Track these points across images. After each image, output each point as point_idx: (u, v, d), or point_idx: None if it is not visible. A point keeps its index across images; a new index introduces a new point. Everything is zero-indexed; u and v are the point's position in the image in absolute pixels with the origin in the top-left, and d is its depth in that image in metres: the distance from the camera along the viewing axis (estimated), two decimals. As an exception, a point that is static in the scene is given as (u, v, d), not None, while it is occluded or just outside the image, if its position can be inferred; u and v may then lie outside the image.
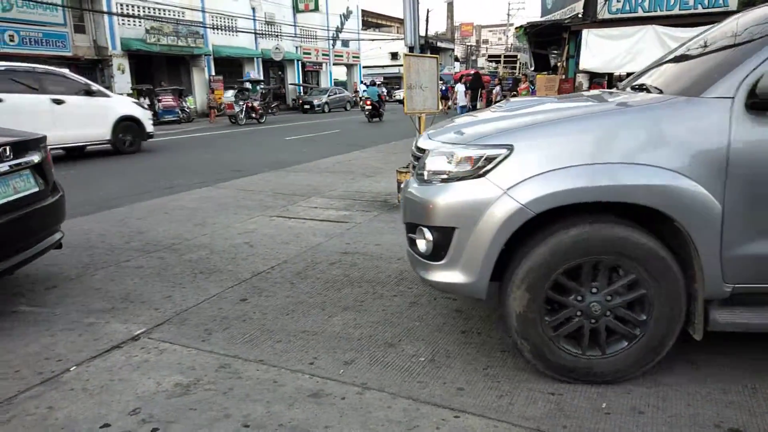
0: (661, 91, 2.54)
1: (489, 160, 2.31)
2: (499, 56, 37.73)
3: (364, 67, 44.00)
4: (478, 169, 2.33)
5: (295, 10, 34.26)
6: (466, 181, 2.35)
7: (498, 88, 23.83)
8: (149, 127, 12.32)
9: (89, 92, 10.92)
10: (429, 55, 7.06)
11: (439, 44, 45.15)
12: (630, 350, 2.34)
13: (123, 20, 23.79)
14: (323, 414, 2.25)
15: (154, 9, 24.97)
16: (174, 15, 25.96)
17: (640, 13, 12.51)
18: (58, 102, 10.22)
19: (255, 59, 31.80)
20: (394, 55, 46.77)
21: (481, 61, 59.95)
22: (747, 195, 2.13)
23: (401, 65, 7.92)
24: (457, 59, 54.03)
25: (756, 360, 2.54)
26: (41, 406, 2.35)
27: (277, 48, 31.63)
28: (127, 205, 6.52)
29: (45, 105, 10.01)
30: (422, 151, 2.67)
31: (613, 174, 2.18)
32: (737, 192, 2.13)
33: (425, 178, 2.51)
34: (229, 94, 23.80)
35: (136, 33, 24.25)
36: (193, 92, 27.63)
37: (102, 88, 11.82)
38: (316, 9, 34.28)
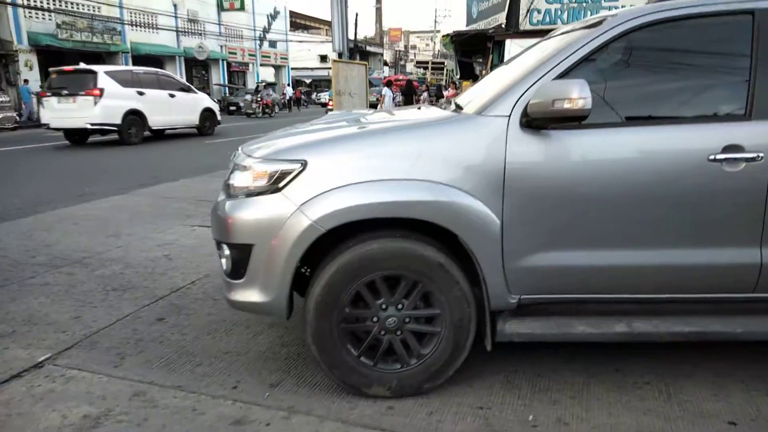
0: (460, 108, 2.66)
1: (284, 175, 2.30)
2: (427, 63, 38.49)
3: (292, 68, 43.47)
4: (274, 184, 2.32)
5: (220, 8, 33.29)
6: (263, 196, 2.33)
7: (425, 94, 24.27)
8: (219, 116, 16.80)
9: (186, 89, 15.53)
10: (358, 61, 7.04)
11: (368, 48, 45.36)
12: (426, 362, 2.39)
13: (30, 13, 22.15)
14: (247, 442, 2.14)
15: (66, 2, 23.44)
16: (89, 10, 24.49)
17: (560, 25, 13.14)
18: (172, 96, 14.66)
19: (177, 58, 30.60)
20: (323, 58, 46.48)
21: (410, 67, 60.88)
22: (524, 210, 2.24)
23: (330, 68, 7.83)
24: (386, 63, 54.56)
25: (674, 365, 2.68)
26: None
27: (200, 47, 30.60)
28: (31, 215, 6.02)
29: (165, 97, 14.43)
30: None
31: (393, 190, 2.23)
32: (515, 207, 2.23)
33: (230, 192, 2.46)
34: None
35: (45, 27, 22.64)
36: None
37: (191, 86, 16.27)
38: (242, 8, 33.47)
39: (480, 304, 2.36)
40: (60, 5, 23.33)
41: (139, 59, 27.77)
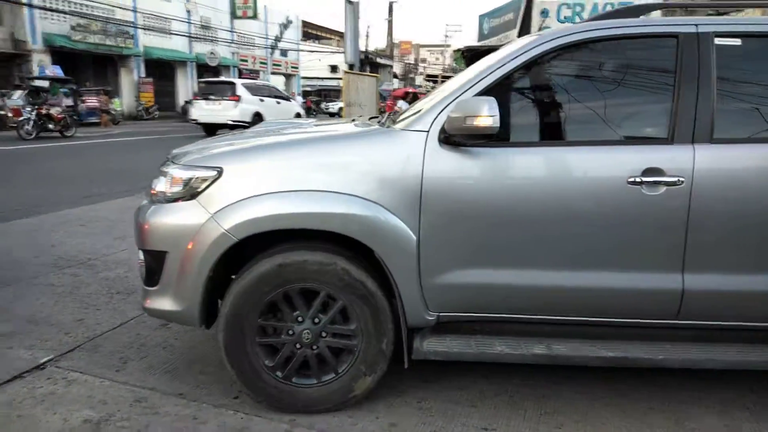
0: (386, 124, 2.61)
1: (199, 182, 2.29)
2: (437, 76, 38.62)
3: (302, 78, 43.75)
4: (190, 191, 2.31)
5: (233, 16, 33.59)
6: (178, 203, 2.33)
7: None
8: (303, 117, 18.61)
9: (286, 98, 19.25)
10: (369, 73, 7.07)
11: (378, 60, 45.65)
12: (341, 378, 2.36)
13: (46, 14, 22.40)
14: (247, 454, 2.11)
15: (81, 5, 23.70)
16: (103, 13, 24.75)
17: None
18: (278, 102, 18.19)
19: (188, 63, 30.85)
20: (334, 68, 46.76)
21: (419, 80, 61.14)
22: (440, 226, 2.22)
23: (340, 78, 7.89)
24: (396, 76, 54.85)
25: (676, 390, 2.64)
26: None
27: (212, 53, 30.84)
28: (36, 215, 6.04)
29: (275, 103, 17.92)
30: None
31: (307, 201, 2.22)
32: (431, 223, 2.21)
33: (151, 198, 2.46)
34: (16, 96, 17.84)
35: (60, 28, 22.90)
36: (120, 94, 26.36)
37: (289, 96, 20.01)
38: (255, 17, 33.78)
39: (398, 321, 2.33)
40: (75, 8, 23.57)
41: (151, 63, 28.03)
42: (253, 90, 17.78)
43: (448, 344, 2.33)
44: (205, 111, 17.09)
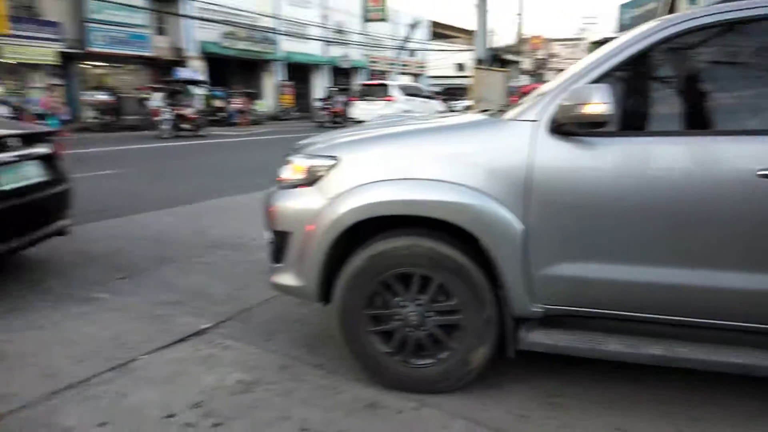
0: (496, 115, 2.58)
1: (318, 170, 2.47)
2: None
3: (429, 77, 44.08)
4: (310, 178, 2.49)
5: (364, 19, 34.77)
6: (300, 188, 2.52)
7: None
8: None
9: (429, 97, 21.44)
10: (498, 68, 6.99)
11: (507, 56, 44.63)
12: (456, 354, 2.38)
13: (201, 24, 24.88)
14: (379, 425, 2.24)
15: (230, 14, 25.99)
16: (249, 21, 26.92)
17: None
18: (424, 101, 20.27)
19: (324, 66, 32.49)
20: (460, 66, 46.54)
21: (550, 75, 58.65)
22: (548, 217, 2.17)
23: (467, 76, 7.85)
24: (524, 72, 53.19)
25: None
26: (113, 390, 2.46)
27: (345, 56, 32.18)
28: (195, 203, 6.78)
29: (421, 102, 19.94)
30: None
31: (416, 189, 2.29)
32: (539, 213, 2.17)
33: (279, 185, 2.67)
34: (156, 98, 18.61)
35: (212, 36, 25.30)
36: (262, 96, 28.51)
37: (432, 95, 22.05)
38: (385, 19, 34.66)
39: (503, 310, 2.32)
40: (225, 17, 25.90)
41: (291, 67, 29.92)
42: (404, 90, 20.47)
43: (555, 337, 2.29)
44: (363, 110, 19.34)
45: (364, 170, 2.40)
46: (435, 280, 2.35)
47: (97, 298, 3.56)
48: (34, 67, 19.29)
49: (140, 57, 22.57)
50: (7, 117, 10.91)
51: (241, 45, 26.52)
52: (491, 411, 2.35)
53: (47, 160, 3.90)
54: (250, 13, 26.69)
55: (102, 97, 20.53)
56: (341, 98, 25.09)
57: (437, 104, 21.41)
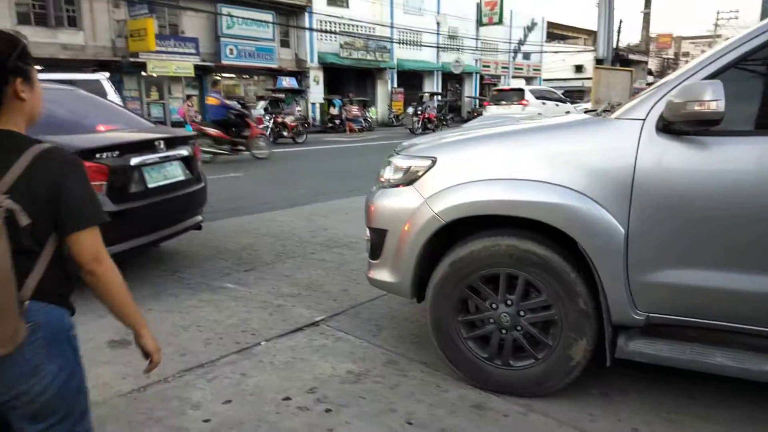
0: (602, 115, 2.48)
1: (417, 170, 2.52)
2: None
3: (544, 80, 42.64)
4: (408, 178, 2.55)
5: (479, 23, 34.44)
6: (398, 188, 2.59)
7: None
8: None
9: (561, 100, 21.55)
10: (622, 68, 6.62)
11: (630, 56, 41.93)
12: (556, 350, 2.31)
13: (321, 36, 26.13)
14: (485, 427, 2.24)
15: (348, 25, 27.04)
16: (365, 30, 27.82)
17: None
18: (557, 104, 20.72)
19: (435, 72, 32.68)
20: (579, 68, 44.48)
21: (679, 76, 54.08)
22: (653, 220, 2.05)
23: (586, 78, 7.52)
24: (650, 73, 49.67)
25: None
26: (237, 372, 2.69)
27: (457, 61, 32.11)
28: (312, 203, 7.15)
29: (554, 106, 20.16)
30: None
31: (511, 189, 2.27)
32: (643, 216, 2.06)
33: (379, 185, 2.74)
34: (259, 107, 19.01)
35: (331, 47, 26.46)
36: (375, 103, 29.29)
37: (564, 98, 22.26)
38: (500, 22, 34.08)
39: (602, 316, 2.22)
40: (343, 28, 26.97)
41: (402, 74, 30.44)
42: (537, 94, 21.19)
43: (658, 347, 2.17)
44: (497, 114, 19.98)
45: (460, 170, 2.42)
46: (521, 277, 2.32)
47: (225, 287, 3.90)
48: (174, 79, 21.41)
49: (266, 68, 24.19)
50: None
51: (357, 54, 27.45)
52: (600, 421, 2.26)
53: (186, 161, 4.34)
54: (366, 23, 27.59)
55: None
56: (433, 104, 24.61)
57: (569, 107, 21.51)
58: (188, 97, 21.62)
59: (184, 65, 20.91)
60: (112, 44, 19.61)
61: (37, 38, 17.81)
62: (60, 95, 4.33)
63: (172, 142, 4.18)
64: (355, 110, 25.56)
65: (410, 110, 24.83)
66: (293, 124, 17.64)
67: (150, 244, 4.06)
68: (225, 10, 21.85)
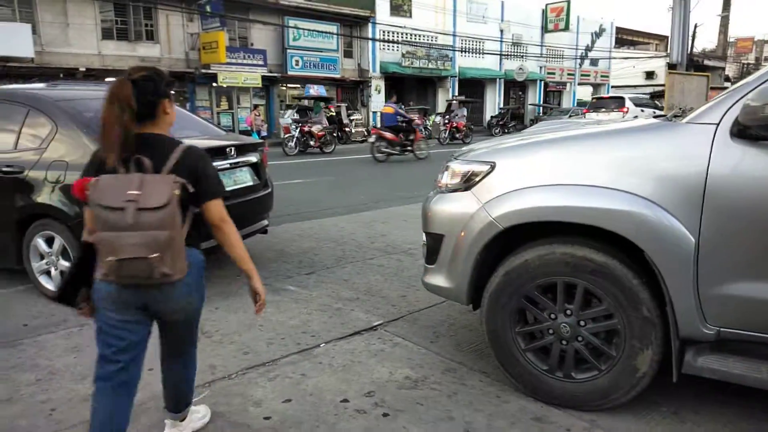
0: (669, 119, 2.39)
1: (474, 175, 2.49)
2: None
3: (613, 87, 41.25)
4: (466, 183, 2.52)
5: (544, 30, 33.79)
6: (456, 193, 2.56)
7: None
8: None
9: (652, 107, 21.12)
10: (698, 73, 6.31)
11: (706, 62, 39.87)
12: (621, 361, 2.21)
13: (383, 46, 26.42)
14: (546, 440, 2.17)
15: (410, 35, 27.20)
16: (427, 39, 27.89)
17: None
18: (642, 110, 19.73)
19: (497, 80, 32.30)
20: (650, 74, 42.71)
21: (761, 82, 50.78)
22: (726, 228, 1.96)
23: (658, 85, 7.20)
24: (728, 79, 47.04)
25: None
26: (297, 372, 2.74)
27: (520, 68, 31.62)
28: (372, 210, 7.21)
29: (651, 112, 18.82)
30: None
31: (572, 195, 2.20)
32: (715, 224, 1.97)
33: (437, 189, 2.72)
34: (287, 115, 18.62)
35: (393, 57, 26.70)
36: (436, 111, 29.24)
37: (656, 104, 22.02)
38: (566, 28, 33.29)
39: (668, 329, 2.12)
40: (406, 38, 27.16)
41: (464, 82, 30.28)
42: (636, 102, 21.43)
43: (730, 364, 2.04)
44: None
45: (519, 176, 2.37)
46: (580, 286, 2.23)
47: (288, 289, 4.00)
48: (243, 89, 22.25)
49: (330, 78, 24.71)
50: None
51: (419, 63, 27.56)
52: (672, 442, 2.14)
53: (255, 167, 4.49)
54: (429, 32, 27.66)
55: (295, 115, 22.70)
56: (462, 112, 22.72)
57: (654, 112, 21.51)
58: (255, 106, 22.40)
59: (252, 76, 21.71)
60: (186, 56, 20.64)
61: (119, 51, 19.06)
62: None
63: (242, 149, 4.33)
64: (415, 118, 25.59)
65: (437, 119, 22.92)
66: (321, 133, 16.91)
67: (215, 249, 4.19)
68: (292, 22, 22.55)
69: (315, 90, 23.47)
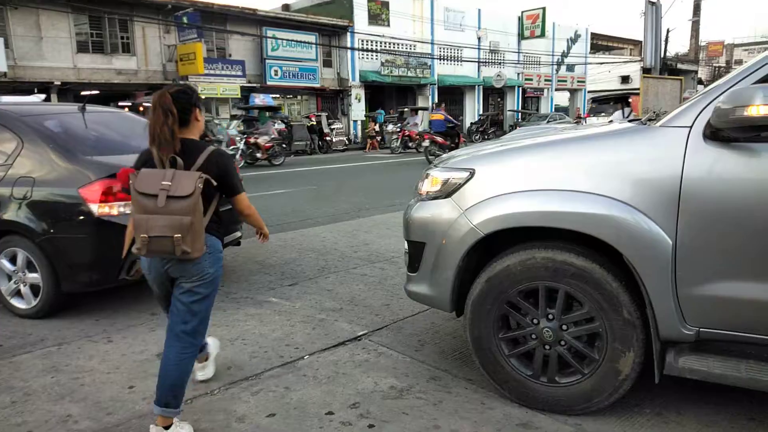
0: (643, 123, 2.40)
1: (455, 182, 2.49)
2: (758, 78, 32.46)
3: (589, 91, 41.89)
4: (446, 190, 2.52)
5: (521, 37, 34.22)
6: (436, 200, 2.57)
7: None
8: None
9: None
10: (672, 77, 6.43)
11: (679, 66, 40.74)
12: (603, 364, 2.22)
13: (362, 54, 26.51)
14: (532, 446, 2.17)
15: (389, 43, 27.34)
16: (406, 48, 28.06)
17: None
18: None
19: (476, 87, 32.58)
20: (625, 79, 43.45)
21: (733, 84, 51.91)
22: (702, 230, 1.98)
23: (633, 89, 7.34)
24: (701, 82, 48.09)
25: None
26: (280, 385, 2.71)
27: (498, 75, 31.94)
28: (355, 218, 7.19)
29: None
30: None
31: (551, 200, 2.21)
32: (691, 226, 2.00)
33: (417, 197, 2.73)
34: (232, 126, 17.01)
35: (372, 66, 26.80)
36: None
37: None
38: (542, 35, 33.77)
39: (649, 331, 2.14)
40: (385, 47, 27.29)
41: (443, 89, 30.48)
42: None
43: (710, 364, 2.07)
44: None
45: (499, 182, 2.39)
46: (561, 290, 2.25)
47: (270, 301, 3.96)
48: (222, 100, 22.13)
49: (310, 88, 24.69)
50: None
51: (398, 71, 27.69)
52: (657, 444, 2.15)
53: None
54: (407, 40, 27.83)
55: (277, 126, 22.49)
56: (415, 119, 21.30)
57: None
58: (233, 117, 22.32)
59: (231, 87, 21.60)
60: (163, 68, 20.46)
61: (94, 65, 18.82)
62: (109, 117, 4.61)
63: None
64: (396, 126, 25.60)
65: (390, 127, 21.45)
66: (268, 144, 15.82)
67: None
68: (270, 32, 22.51)
69: (261, 99, 22.21)
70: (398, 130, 20.50)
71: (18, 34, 17.10)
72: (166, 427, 2.21)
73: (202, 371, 2.74)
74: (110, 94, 19.75)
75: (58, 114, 4.23)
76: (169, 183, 2.05)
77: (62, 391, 2.65)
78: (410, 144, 19.88)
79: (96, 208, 3.48)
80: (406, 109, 23.50)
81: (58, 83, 17.66)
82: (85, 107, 4.27)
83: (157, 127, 2.10)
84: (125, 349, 3.14)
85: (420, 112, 23.02)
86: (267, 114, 19.66)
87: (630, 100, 17.00)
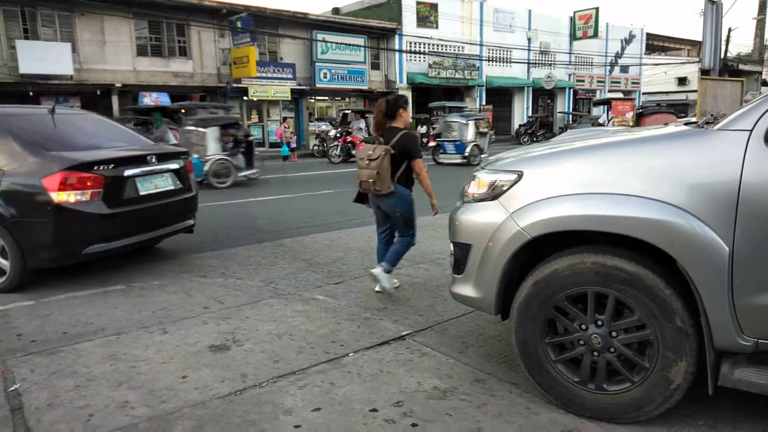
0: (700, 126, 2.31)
1: (501, 184, 2.48)
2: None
3: (644, 93, 40.51)
4: (493, 193, 2.51)
5: (573, 38, 33.47)
6: (483, 202, 2.56)
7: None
8: None
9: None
10: (732, 78, 6.16)
11: (741, 67, 38.85)
12: (654, 372, 2.16)
13: (410, 57, 26.55)
14: (578, 452, 2.13)
15: (437, 45, 27.28)
16: (454, 49, 27.92)
17: None
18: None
19: (525, 88, 32.09)
20: (682, 80, 41.81)
21: (801, 85, 49.21)
22: (763, 237, 1.91)
23: (690, 91, 7.06)
24: (765, 84, 45.70)
25: None
26: (326, 381, 2.76)
27: (548, 77, 31.34)
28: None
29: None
30: None
31: (603, 204, 2.17)
32: (750, 233, 1.93)
33: (463, 199, 2.74)
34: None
35: (419, 68, 26.81)
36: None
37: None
38: (595, 35, 32.91)
39: (703, 340, 2.07)
40: (433, 48, 27.24)
41: (492, 91, 30.16)
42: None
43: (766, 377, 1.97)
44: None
45: (547, 184, 2.35)
46: (611, 296, 2.20)
47: (316, 299, 4.04)
48: (273, 102, 22.64)
49: (357, 90, 24.94)
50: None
51: (445, 73, 27.59)
52: (711, 457, 2.08)
53: (177, 173, 4.97)
54: (456, 42, 27.69)
55: (323, 127, 22.74)
56: (359, 124, 18.69)
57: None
58: (284, 119, 22.72)
59: (281, 89, 22.08)
60: (218, 71, 21.12)
61: (153, 67, 19.62)
62: (77, 118, 5.20)
63: (163, 158, 4.82)
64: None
65: (331, 132, 19.03)
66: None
67: (144, 242, 4.76)
68: (320, 36, 22.87)
69: (152, 99, 18.47)
70: (339, 135, 17.82)
71: (84, 39, 18.06)
72: (387, 271, 3.98)
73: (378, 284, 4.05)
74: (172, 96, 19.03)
75: (29, 115, 4.83)
76: (371, 152, 3.80)
77: (120, 378, 2.79)
78: (353, 152, 16.32)
79: (55, 196, 4.03)
80: (350, 113, 20.70)
81: (119, 85, 18.50)
82: (55, 109, 4.86)
83: (374, 119, 4.00)
84: (179, 341, 3.27)
85: (364, 116, 19.54)
86: (160, 115, 14.72)
87: (612, 103, 15.88)
